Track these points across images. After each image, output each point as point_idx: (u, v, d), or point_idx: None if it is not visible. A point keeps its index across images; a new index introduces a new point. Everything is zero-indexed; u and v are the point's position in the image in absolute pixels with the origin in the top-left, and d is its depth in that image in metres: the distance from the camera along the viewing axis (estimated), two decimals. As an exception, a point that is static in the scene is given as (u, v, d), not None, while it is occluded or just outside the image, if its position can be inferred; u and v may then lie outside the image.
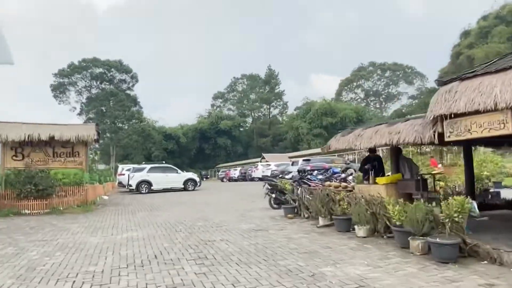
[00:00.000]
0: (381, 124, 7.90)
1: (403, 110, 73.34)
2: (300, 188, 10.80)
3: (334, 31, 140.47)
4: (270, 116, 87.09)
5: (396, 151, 8.54)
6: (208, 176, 65.46)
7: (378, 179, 8.09)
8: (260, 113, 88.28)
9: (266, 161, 43.85)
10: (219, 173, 55.13)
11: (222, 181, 48.35)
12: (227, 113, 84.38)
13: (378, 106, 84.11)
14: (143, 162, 37.67)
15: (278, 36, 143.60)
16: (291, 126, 69.39)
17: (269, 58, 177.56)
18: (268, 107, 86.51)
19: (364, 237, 7.18)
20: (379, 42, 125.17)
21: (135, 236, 8.47)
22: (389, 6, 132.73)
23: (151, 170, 25.80)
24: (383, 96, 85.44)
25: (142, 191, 24.43)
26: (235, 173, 44.42)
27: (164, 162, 37.10)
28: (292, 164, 27.43)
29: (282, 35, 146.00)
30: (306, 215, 10.04)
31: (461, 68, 55.61)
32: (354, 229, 7.55)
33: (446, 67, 60.64)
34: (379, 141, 7.38)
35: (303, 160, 25.00)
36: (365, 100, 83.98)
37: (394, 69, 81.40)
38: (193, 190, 25.81)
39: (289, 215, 10.36)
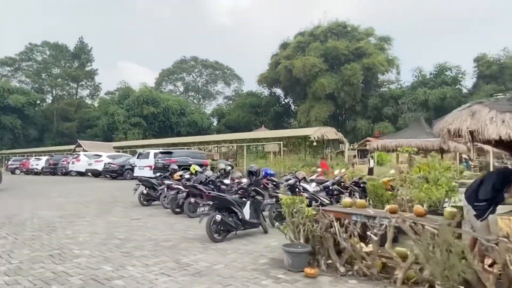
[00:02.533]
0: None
1: (223, 109, 75.14)
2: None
3: (151, 22, 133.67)
4: (78, 97, 74.38)
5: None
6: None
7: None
8: (64, 92, 74.15)
9: (84, 150, 35.67)
10: (10, 163, 41.56)
11: (14, 173, 36.89)
12: (18, 85, 67.26)
13: (196, 102, 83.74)
14: None
15: (94, 10, 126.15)
16: (106, 111, 60.65)
17: (82, 31, 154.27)
18: (76, 86, 73.61)
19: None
20: (203, 38, 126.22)
21: None
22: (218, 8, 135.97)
23: None
24: (202, 92, 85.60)
25: None
26: (39, 163, 34.24)
27: None
28: (139, 157, 22.18)
29: (98, 12, 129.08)
30: (341, 269, 5.06)
31: (279, 76, 60.72)
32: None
33: (265, 73, 64.98)
34: None
35: (161, 152, 20.28)
36: (184, 94, 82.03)
37: (215, 67, 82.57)
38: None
39: (309, 270, 4.93)
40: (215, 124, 73.86)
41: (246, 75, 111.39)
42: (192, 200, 9.12)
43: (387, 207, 5.08)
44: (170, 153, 19.66)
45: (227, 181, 10.30)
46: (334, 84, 53.91)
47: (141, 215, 9.99)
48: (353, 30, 61.29)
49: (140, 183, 11.78)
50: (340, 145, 23.09)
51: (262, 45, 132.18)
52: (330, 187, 9.07)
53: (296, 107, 67.68)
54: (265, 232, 7.76)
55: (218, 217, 6.89)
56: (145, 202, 11.62)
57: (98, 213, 10.43)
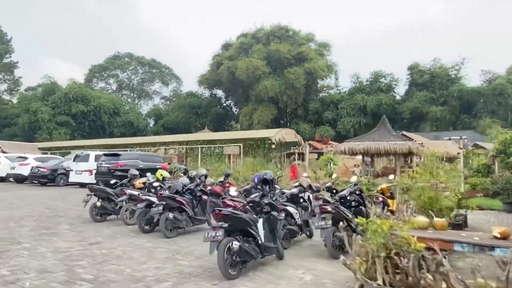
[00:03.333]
0: None
1: (161, 109, 71.51)
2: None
3: (81, 18, 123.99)
4: (-7, 91, 65.62)
5: None
6: None
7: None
8: (-24, 85, 65.04)
9: (3, 151, 30.90)
10: None
11: None
12: None
13: (130, 101, 78.69)
14: None
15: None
16: (27, 108, 54.25)
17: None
18: (-9, 79, 64.93)
19: None
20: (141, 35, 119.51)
21: None
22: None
23: None
24: (137, 91, 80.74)
25: None
26: None
27: None
28: (76, 160, 19.21)
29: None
30: None
31: (221, 77, 59.15)
32: None
33: (206, 74, 63.03)
34: None
35: (106, 155, 17.52)
36: (117, 93, 76.56)
37: (152, 66, 78.35)
38: None
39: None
40: (151, 125, 70.07)
41: (185, 76, 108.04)
42: (171, 215, 7.33)
43: (496, 230, 3.91)
44: (116, 155, 17.04)
45: (233, 192, 8.58)
46: (277, 88, 53.76)
47: (100, 237, 7.81)
48: (295, 35, 61.85)
49: (92, 193, 9.57)
50: (300, 147, 22.25)
51: (201, 46, 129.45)
52: (348, 197, 7.02)
53: (238, 110, 66.59)
54: (281, 258, 6.18)
55: (236, 244, 5.07)
56: (98, 217, 9.44)
57: (40, 235, 7.88)
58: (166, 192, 8.10)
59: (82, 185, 18.98)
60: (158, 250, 6.73)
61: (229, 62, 57.22)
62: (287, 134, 21.16)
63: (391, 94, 54.57)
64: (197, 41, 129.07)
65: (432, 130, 46.88)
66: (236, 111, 68.70)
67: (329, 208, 6.03)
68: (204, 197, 8.23)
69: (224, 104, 68.77)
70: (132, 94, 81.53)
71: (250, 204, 5.82)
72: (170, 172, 14.15)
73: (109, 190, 9.63)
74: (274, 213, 5.80)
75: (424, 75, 49.51)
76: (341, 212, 6.10)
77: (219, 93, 67.23)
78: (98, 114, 56.98)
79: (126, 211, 8.78)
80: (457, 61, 50.93)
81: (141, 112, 73.15)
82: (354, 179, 7.54)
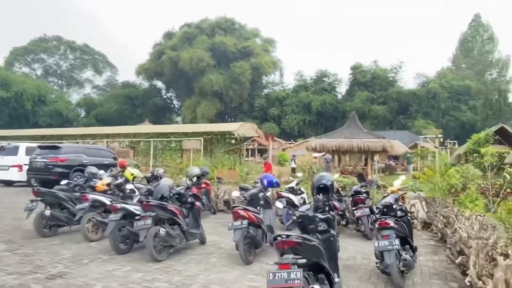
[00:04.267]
0: None
1: (93, 99, 66.03)
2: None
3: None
4: None
5: None
6: None
7: None
8: None
9: None
10: None
11: None
12: None
13: (58, 89, 71.30)
14: None
15: None
16: None
17: None
18: None
19: None
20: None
21: None
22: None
23: None
24: (66, 79, 73.53)
25: None
26: None
27: None
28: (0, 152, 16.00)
29: None
30: None
31: (163, 67, 55.89)
32: None
33: (146, 64, 59.39)
34: None
35: (42, 147, 14.43)
36: (43, 79, 68.83)
37: (84, 51, 71.77)
38: None
39: None
40: (82, 116, 64.41)
41: (121, 64, 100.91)
42: (162, 230, 5.58)
43: None
44: (55, 148, 14.07)
45: (279, 204, 7.03)
46: (223, 81, 52.22)
47: (59, 263, 5.43)
48: (241, 28, 60.60)
49: (39, 199, 7.24)
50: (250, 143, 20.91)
51: (140, 34, 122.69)
52: (394, 206, 5.45)
53: (179, 103, 63.75)
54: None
55: None
56: (46, 230, 7.12)
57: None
58: (150, 199, 6.27)
59: (8, 183, 15.88)
60: (158, 286, 4.62)
61: (171, 52, 54.39)
62: (249, 129, 19.82)
63: (333, 93, 55.65)
64: (136, 29, 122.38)
65: (371, 129, 48.50)
66: (177, 104, 65.77)
67: (391, 223, 4.75)
68: (197, 203, 6.60)
69: (165, 96, 65.49)
70: (60, 82, 74.19)
71: (299, 220, 4.34)
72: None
73: (61, 194, 7.43)
74: (333, 232, 4.34)
75: (366, 75, 51.02)
76: (401, 227, 4.88)
77: (159, 84, 63.85)
78: (21, 101, 50.81)
79: (88, 222, 6.70)
80: (395, 64, 53.35)
81: (71, 101, 66.94)
82: (398, 182, 6.32)
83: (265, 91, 60.80)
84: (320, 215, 4.42)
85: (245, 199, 6.58)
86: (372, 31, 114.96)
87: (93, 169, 8.63)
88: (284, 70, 62.19)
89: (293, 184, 9.26)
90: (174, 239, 5.74)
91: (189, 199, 6.53)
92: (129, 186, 8.06)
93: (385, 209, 5.33)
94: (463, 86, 49.67)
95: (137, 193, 7.94)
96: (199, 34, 57.02)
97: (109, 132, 21.79)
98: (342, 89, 57.53)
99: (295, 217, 4.51)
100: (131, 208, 6.11)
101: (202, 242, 6.78)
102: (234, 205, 6.10)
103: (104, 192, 7.60)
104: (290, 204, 7.98)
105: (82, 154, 14.53)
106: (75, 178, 13.85)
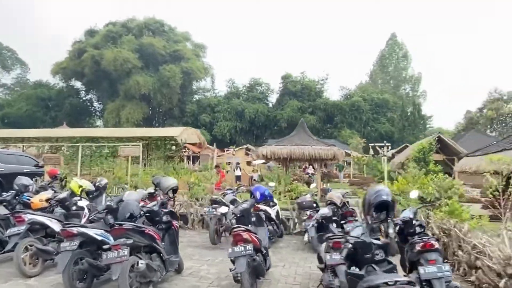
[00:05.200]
0: None
1: (1, 100, 58.48)
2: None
3: None
4: None
5: None
6: None
7: None
8: None
9: None
10: None
11: None
12: None
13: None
14: None
15: None
16: None
17: None
18: None
19: None
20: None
21: None
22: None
23: None
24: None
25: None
26: None
27: None
28: None
29: None
30: None
31: (83, 66, 51.36)
32: None
33: (63, 62, 54.32)
34: None
35: None
36: None
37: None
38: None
39: None
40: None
41: (33, 62, 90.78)
42: (141, 263, 4.22)
43: None
44: None
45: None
46: (151, 84, 49.69)
47: None
48: (170, 31, 58.53)
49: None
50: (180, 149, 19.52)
51: (57, 31, 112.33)
52: (414, 221, 4.56)
53: (101, 105, 59.33)
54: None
55: None
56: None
57: None
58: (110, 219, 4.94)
59: None
60: None
61: (94, 51, 50.48)
62: (191, 134, 18.45)
63: (264, 102, 56.21)
64: (52, 24, 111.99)
65: (302, 138, 49.70)
66: (99, 106, 61.15)
67: (436, 245, 4.10)
68: (175, 223, 5.48)
69: (84, 98, 60.41)
70: (-44, 78, 64.52)
71: (352, 248, 3.51)
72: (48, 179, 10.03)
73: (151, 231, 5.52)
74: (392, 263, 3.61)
75: (297, 85, 52.32)
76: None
77: (78, 85, 58.76)
78: None
79: (25, 252, 5.09)
80: (322, 76, 55.63)
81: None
82: (414, 194, 5.59)
83: (196, 97, 59.33)
84: (376, 241, 3.70)
85: (234, 216, 5.65)
86: (297, 43, 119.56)
87: (25, 180, 6.92)
88: (215, 77, 61.43)
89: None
90: (155, 273, 4.56)
91: (164, 218, 5.40)
92: (83, 203, 6.53)
93: (403, 225, 4.68)
94: (382, 99, 53.43)
95: (85, 210, 6.48)
96: (125, 34, 53.83)
97: (25, 136, 18.82)
98: (273, 98, 58.34)
99: (349, 245, 3.70)
100: (92, 233, 4.80)
101: (179, 270, 5.59)
102: (234, 226, 5.04)
103: (42, 210, 6.09)
104: (267, 218, 7.21)
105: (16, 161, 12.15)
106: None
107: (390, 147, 21.25)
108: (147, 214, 5.26)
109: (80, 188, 6.66)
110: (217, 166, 16.09)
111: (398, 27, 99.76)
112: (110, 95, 53.23)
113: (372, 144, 24.08)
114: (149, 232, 4.75)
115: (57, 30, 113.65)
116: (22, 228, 5.37)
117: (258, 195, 6.14)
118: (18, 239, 5.30)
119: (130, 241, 4.45)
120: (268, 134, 53.79)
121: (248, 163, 29.67)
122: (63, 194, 6.43)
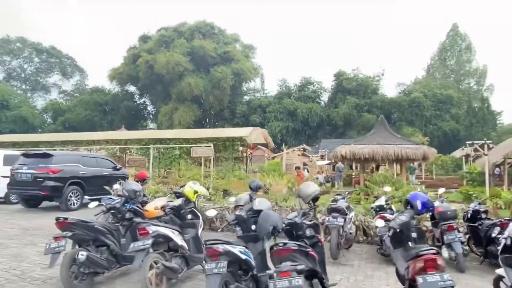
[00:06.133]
0: None
1: (61, 105, 61.43)
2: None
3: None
4: None
5: None
6: None
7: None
8: None
9: None
10: None
11: None
12: None
13: (21, 93, 65.62)
14: None
15: None
16: None
17: None
18: None
19: None
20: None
21: None
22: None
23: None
24: (30, 83, 68.12)
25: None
26: None
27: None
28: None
29: None
30: None
31: (138, 71, 52.62)
32: None
33: (119, 68, 56.01)
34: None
35: (26, 155, 11.52)
36: (5, 83, 63.12)
37: (51, 54, 66.92)
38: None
39: None
40: (48, 122, 59.81)
41: (90, 68, 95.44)
42: None
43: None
44: (47, 156, 11.21)
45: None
46: (202, 86, 49.81)
47: None
48: (220, 33, 58.59)
49: (68, 234, 4.74)
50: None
51: (111, 37, 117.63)
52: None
53: (155, 109, 60.62)
54: None
55: None
56: (78, 283, 4.56)
57: None
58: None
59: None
60: None
61: (147, 56, 51.52)
62: (259, 135, 17.62)
63: (317, 101, 54.72)
64: (108, 32, 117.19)
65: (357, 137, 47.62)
66: (152, 110, 62.50)
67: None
68: (321, 238, 4.61)
69: (138, 102, 62.03)
70: (24, 86, 68.79)
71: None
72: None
73: (99, 225, 4.98)
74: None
75: (352, 82, 50.32)
76: None
77: (132, 89, 60.41)
78: (-21, 105, 46.08)
79: (150, 269, 4.34)
80: (378, 72, 53.14)
81: (36, 107, 62.15)
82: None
83: (246, 97, 58.97)
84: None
85: (391, 229, 4.59)
86: (347, 40, 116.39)
87: (135, 185, 6.20)
88: (264, 77, 60.77)
89: (382, 202, 7.36)
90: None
91: (308, 232, 4.45)
92: (210, 213, 5.70)
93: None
94: (445, 95, 50.03)
95: (201, 220, 5.67)
96: (177, 38, 54.49)
97: (95, 138, 18.88)
98: (324, 97, 56.70)
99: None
100: (237, 251, 3.88)
101: None
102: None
103: (157, 219, 5.36)
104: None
105: (79, 163, 11.90)
106: (70, 194, 11.29)
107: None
108: (288, 227, 4.36)
109: (195, 194, 5.84)
110: (297, 168, 15.07)
111: (449, 19, 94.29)
112: (163, 98, 54.13)
113: (470, 142, 21.84)
114: (312, 253, 3.80)
115: (112, 37, 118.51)
116: (148, 242, 4.60)
117: (419, 204, 4.94)
118: (143, 255, 4.53)
119: (301, 266, 3.49)
120: (321, 134, 52.25)
121: (305, 164, 28.61)
122: (178, 201, 5.63)
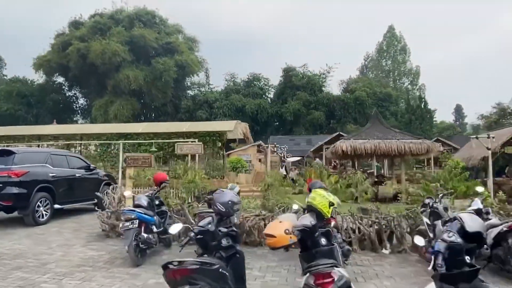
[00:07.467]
0: None
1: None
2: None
3: None
4: None
5: None
6: None
7: None
8: None
9: None
10: None
11: None
12: None
13: None
14: None
15: None
16: None
17: None
18: None
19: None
20: None
21: None
22: None
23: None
24: None
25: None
26: None
27: None
28: None
29: None
30: None
31: (69, 60, 47.09)
32: None
33: (47, 56, 49.93)
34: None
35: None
36: None
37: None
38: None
39: None
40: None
41: (9, 57, 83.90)
42: None
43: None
44: (7, 153, 8.66)
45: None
46: (142, 79, 46.17)
47: None
48: (162, 23, 55.07)
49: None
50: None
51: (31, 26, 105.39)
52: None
53: (87, 102, 55.29)
54: None
55: None
56: None
57: None
58: None
59: None
60: None
61: (79, 44, 46.46)
62: (242, 129, 15.74)
63: (264, 97, 53.83)
64: (27, 19, 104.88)
65: (306, 133, 47.63)
66: (83, 104, 56.99)
67: None
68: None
69: (67, 94, 56.08)
70: None
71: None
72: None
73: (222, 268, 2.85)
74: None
75: (301, 79, 50.10)
76: None
77: (61, 80, 54.39)
78: None
79: None
80: (324, 70, 53.70)
81: None
82: None
83: (190, 92, 56.21)
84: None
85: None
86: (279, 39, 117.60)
87: (230, 195, 3.82)
88: (210, 71, 58.44)
89: (478, 205, 6.00)
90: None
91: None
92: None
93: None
94: (385, 93, 52.04)
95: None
96: (114, 26, 49.97)
97: (40, 133, 15.33)
98: (271, 93, 55.97)
99: None
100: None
101: None
102: None
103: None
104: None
105: (46, 163, 9.14)
106: (37, 203, 8.50)
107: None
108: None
109: (331, 208, 3.82)
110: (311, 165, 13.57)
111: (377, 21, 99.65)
112: (98, 91, 49.52)
113: (474, 136, 21.83)
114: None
115: (32, 22, 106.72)
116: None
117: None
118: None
119: None
120: (269, 130, 51.43)
121: (260, 161, 27.51)
122: (306, 219, 3.63)
